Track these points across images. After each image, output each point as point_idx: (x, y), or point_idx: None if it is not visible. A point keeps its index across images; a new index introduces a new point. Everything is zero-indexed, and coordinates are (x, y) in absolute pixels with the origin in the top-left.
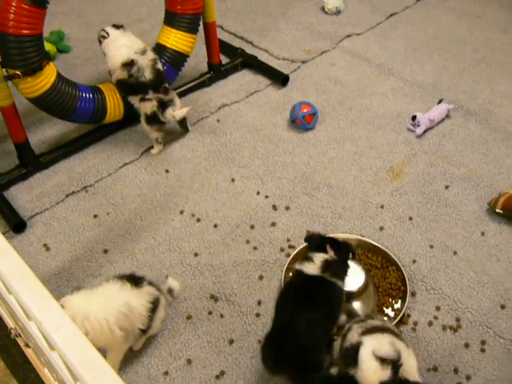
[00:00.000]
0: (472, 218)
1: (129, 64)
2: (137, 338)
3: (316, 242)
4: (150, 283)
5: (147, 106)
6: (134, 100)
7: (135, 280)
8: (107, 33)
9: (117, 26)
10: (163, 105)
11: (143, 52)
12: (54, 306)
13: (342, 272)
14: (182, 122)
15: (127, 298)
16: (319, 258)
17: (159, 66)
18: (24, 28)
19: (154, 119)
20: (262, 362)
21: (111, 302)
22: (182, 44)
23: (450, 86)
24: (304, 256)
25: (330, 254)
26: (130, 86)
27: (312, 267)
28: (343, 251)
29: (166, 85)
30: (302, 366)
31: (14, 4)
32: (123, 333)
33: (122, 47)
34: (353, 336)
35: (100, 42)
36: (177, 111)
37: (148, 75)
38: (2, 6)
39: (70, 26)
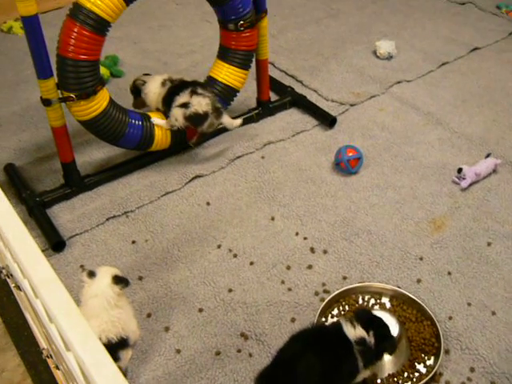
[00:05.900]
0: None
1: (165, 80)
2: None
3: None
4: None
5: (202, 102)
6: (185, 97)
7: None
8: (143, 81)
9: (147, 74)
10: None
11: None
12: (95, 343)
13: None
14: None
15: None
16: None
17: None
18: (83, 53)
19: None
20: None
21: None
22: (233, 79)
23: (498, 140)
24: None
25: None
26: (171, 88)
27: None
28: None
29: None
30: None
31: (75, 30)
32: None
33: (158, 78)
34: None
35: (140, 89)
36: (237, 120)
37: (179, 80)
38: (63, 31)
39: (125, 51)
